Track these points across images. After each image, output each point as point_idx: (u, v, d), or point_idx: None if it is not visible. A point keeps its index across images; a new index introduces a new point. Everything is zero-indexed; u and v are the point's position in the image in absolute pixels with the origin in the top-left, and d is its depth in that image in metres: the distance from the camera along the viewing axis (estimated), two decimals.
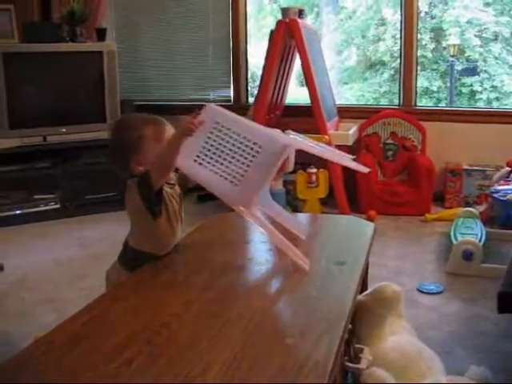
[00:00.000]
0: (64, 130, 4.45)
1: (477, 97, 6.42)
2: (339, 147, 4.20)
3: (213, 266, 1.81)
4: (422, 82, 5.96)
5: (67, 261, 3.50)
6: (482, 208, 4.09)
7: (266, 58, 4.32)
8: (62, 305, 2.78)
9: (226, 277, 1.75)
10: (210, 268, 1.80)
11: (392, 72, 6.43)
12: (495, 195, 3.68)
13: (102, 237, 3.81)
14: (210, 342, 1.31)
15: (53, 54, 4.42)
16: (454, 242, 3.30)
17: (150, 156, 1.82)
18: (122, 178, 1.88)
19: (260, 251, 2.05)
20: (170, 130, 1.87)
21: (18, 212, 4.24)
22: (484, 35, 6.33)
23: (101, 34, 4.71)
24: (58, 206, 4.38)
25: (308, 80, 4.14)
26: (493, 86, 6.33)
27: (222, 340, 1.33)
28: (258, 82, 4.79)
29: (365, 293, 1.96)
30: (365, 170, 2.09)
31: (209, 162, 1.74)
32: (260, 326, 1.42)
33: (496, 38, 6.23)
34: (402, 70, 4.80)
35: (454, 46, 6.44)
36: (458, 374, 1.89)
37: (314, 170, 4.11)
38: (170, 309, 1.50)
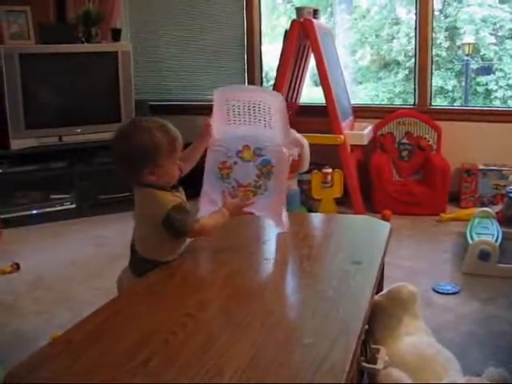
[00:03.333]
0: (79, 130, 4.47)
1: (492, 96, 6.38)
2: (354, 147, 4.21)
3: (228, 266, 1.81)
4: (436, 82, 5.92)
5: (83, 260, 3.52)
6: (497, 208, 4.06)
7: (281, 58, 4.32)
8: (78, 304, 2.79)
9: (241, 277, 1.75)
10: (225, 268, 1.79)
11: (406, 72, 6.39)
12: (511, 195, 3.66)
13: (118, 236, 3.81)
14: (226, 343, 1.31)
15: (68, 55, 4.44)
16: (470, 241, 3.27)
17: (164, 166, 1.78)
18: (129, 184, 1.83)
19: (276, 251, 2.05)
20: (179, 143, 1.83)
21: (34, 212, 4.27)
22: (499, 33, 6.28)
23: (116, 35, 4.72)
24: (73, 205, 4.41)
25: (322, 80, 4.13)
26: (508, 85, 6.28)
27: (238, 341, 1.33)
28: (272, 82, 4.79)
29: (381, 293, 1.95)
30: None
31: None
32: (276, 326, 1.42)
33: None
34: (416, 69, 4.76)
35: (469, 44, 6.40)
36: (476, 376, 1.87)
37: (329, 170, 4.09)
38: (186, 309, 1.49)
